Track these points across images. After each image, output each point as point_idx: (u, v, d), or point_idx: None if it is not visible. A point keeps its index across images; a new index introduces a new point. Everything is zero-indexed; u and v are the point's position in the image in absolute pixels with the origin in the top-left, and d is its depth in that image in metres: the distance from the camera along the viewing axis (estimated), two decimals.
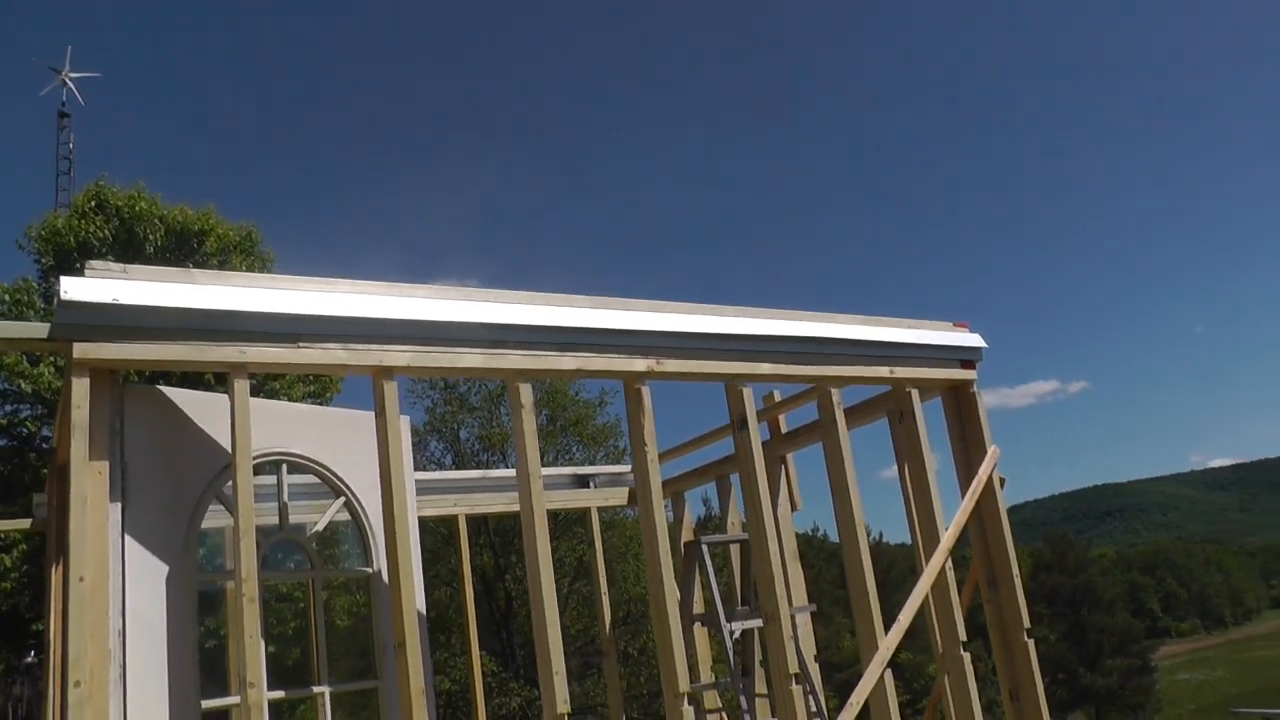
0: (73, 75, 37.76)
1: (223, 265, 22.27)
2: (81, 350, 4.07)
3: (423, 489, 7.94)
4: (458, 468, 28.75)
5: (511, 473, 8.45)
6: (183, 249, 22.37)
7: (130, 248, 21.55)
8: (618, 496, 9.07)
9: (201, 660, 4.64)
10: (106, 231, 21.77)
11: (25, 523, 7.00)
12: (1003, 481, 6.86)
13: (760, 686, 7.43)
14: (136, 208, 22.14)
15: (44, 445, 21.19)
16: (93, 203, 22.30)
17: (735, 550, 7.90)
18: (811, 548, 56.01)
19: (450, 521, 8.46)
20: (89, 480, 4.06)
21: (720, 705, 8.39)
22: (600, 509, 9.01)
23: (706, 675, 8.24)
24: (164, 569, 4.50)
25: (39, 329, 4.23)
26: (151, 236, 22.01)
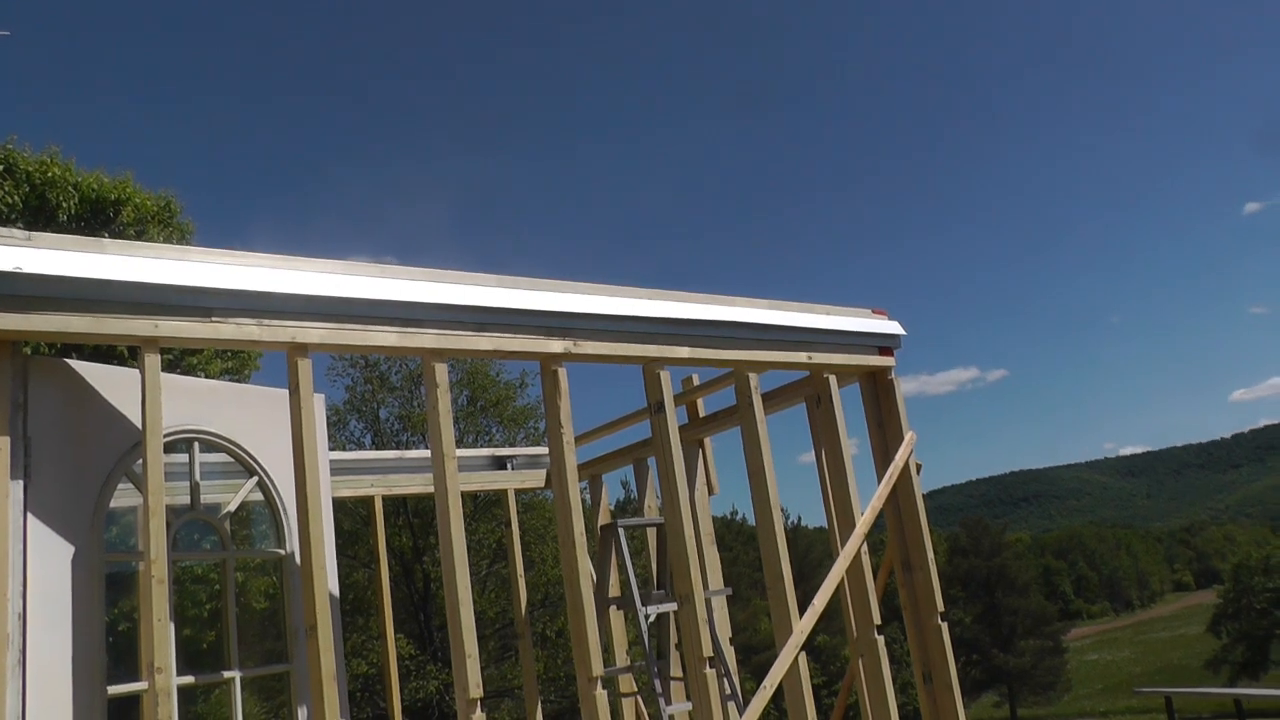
0: None
1: (140, 235, 21.74)
2: None
3: (339, 469, 7.84)
4: (377, 448, 28.51)
5: (426, 454, 8.37)
6: (98, 218, 21.81)
7: (42, 215, 20.94)
8: (535, 478, 9.03)
9: (114, 644, 4.54)
10: (16, 197, 21.14)
11: None
12: (919, 467, 6.96)
13: (675, 670, 7.47)
14: (49, 173, 21.55)
15: None
16: (1, 166, 21.66)
17: (652, 533, 7.92)
18: (730, 531, 56.34)
19: (367, 502, 8.37)
20: None
21: (635, 689, 8.43)
22: (518, 491, 8.97)
23: (622, 659, 8.26)
24: (70, 549, 4.38)
25: None
26: (65, 204, 21.43)
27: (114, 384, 4.77)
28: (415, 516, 27.90)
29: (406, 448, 27.30)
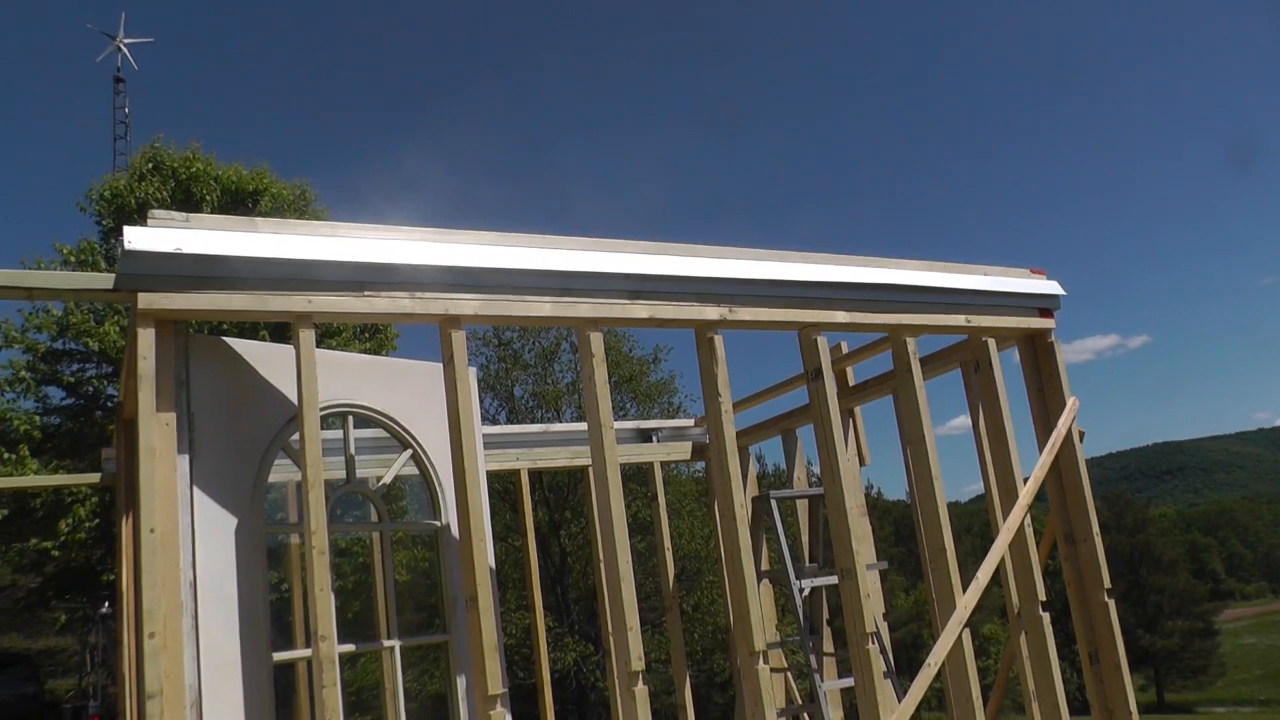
0: (127, 40, 37.99)
1: None
2: (146, 300, 4.01)
3: (485, 443, 7.87)
4: (513, 424, 28.91)
5: (571, 427, 8.38)
6: (238, 208, 22.53)
7: (187, 207, 21.72)
8: (680, 451, 8.95)
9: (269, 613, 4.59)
10: (164, 193, 21.94)
11: (94, 477, 7.00)
12: (1082, 435, 6.65)
13: (827, 645, 7.31)
14: (192, 168, 22.34)
15: (110, 403, 21.46)
16: (150, 164, 22.51)
17: (801, 506, 7.77)
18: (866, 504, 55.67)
19: (507, 476, 8.38)
20: (157, 432, 4.01)
21: (785, 664, 8.30)
22: (663, 463, 8.90)
23: (772, 633, 8.14)
24: (233, 521, 4.45)
25: (104, 279, 4.17)
26: (208, 196, 22.19)
27: (269, 361, 4.82)
28: (551, 491, 28.22)
29: (543, 423, 27.66)
